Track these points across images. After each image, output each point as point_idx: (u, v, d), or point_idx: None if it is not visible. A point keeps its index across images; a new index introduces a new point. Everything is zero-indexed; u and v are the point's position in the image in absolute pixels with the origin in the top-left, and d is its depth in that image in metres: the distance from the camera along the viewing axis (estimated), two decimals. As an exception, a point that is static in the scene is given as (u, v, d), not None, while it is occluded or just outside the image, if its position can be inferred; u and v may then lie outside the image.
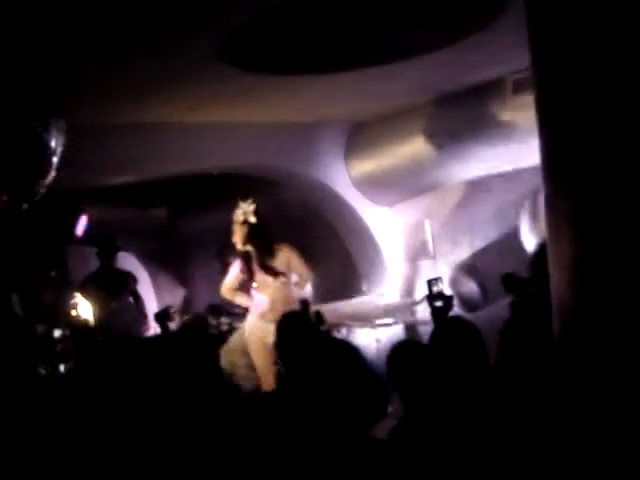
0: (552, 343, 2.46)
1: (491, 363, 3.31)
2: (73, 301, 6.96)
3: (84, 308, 6.95)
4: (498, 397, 3.03)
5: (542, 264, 2.93)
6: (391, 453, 2.55)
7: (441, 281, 4.41)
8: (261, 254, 6.72)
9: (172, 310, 6.00)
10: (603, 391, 2.30)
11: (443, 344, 3.17)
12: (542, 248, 3.09)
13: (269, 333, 5.61)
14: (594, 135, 2.29)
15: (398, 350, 3.67)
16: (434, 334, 3.28)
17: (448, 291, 5.12)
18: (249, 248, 6.74)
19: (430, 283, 4.34)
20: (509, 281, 4.54)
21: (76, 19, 4.03)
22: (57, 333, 6.36)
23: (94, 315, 7.00)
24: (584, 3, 2.33)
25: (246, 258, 6.75)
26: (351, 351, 2.61)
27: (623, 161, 2.24)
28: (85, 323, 6.82)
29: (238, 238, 6.74)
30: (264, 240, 6.75)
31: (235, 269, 6.86)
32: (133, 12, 4.05)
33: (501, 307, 6.71)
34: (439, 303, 4.25)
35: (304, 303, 6.07)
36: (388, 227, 8.05)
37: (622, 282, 2.24)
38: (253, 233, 6.73)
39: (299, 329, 4.83)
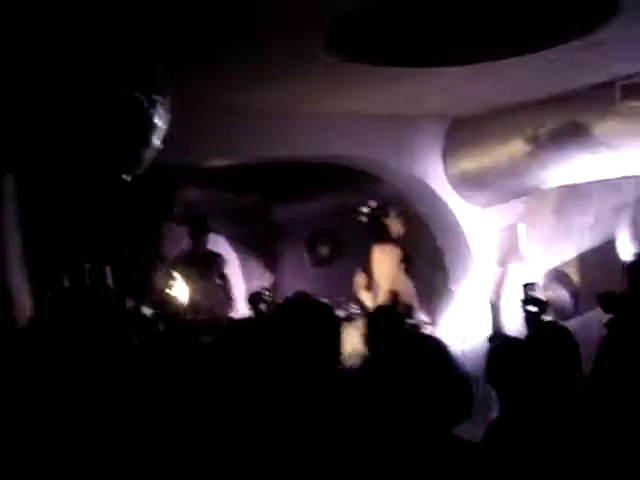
0: None
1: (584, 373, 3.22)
2: (171, 281, 7.05)
3: (181, 289, 7.02)
4: (591, 408, 2.94)
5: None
6: (477, 454, 2.49)
7: (537, 286, 4.32)
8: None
9: (266, 293, 6.00)
10: None
11: (540, 347, 3.11)
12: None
13: None
14: None
15: (500, 348, 3.62)
16: (530, 338, 3.20)
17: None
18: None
19: (526, 287, 4.26)
20: (606, 300, 4.33)
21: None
22: (147, 311, 6.44)
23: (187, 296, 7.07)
24: None
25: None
26: (437, 348, 2.54)
27: None
28: (179, 304, 6.89)
29: (398, 230, 7.06)
30: None
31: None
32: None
33: (590, 319, 6.61)
34: (533, 308, 4.16)
35: (394, 295, 6.02)
36: (482, 228, 7.94)
37: None
38: None
39: (392, 322, 4.81)
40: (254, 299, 5.91)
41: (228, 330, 4.11)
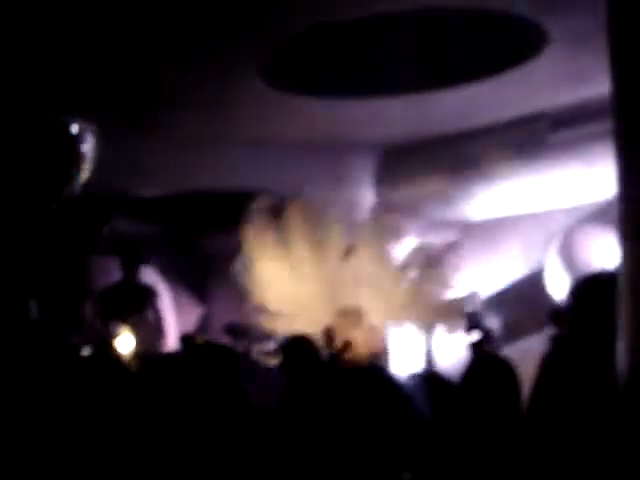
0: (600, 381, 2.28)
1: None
2: (119, 332, 6.85)
3: (128, 343, 6.79)
4: (532, 439, 2.88)
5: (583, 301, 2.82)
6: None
7: (481, 314, 4.27)
8: None
9: (198, 339, 5.95)
10: None
11: (477, 379, 3.07)
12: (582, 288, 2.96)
13: None
14: None
15: (424, 380, 3.58)
16: (469, 368, 3.16)
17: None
18: None
19: (469, 316, 4.20)
20: (555, 315, 4.34)
21: (122, 30, 4.06)
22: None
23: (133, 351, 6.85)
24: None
25: None
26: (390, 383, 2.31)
27: None
28: (120, 356, 6.68)
29: None
30: None
31: None
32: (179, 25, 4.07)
33: (520, 348, 6.65)
34: (477, 336, 4.10)
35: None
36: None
37: None
38: None
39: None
40: (186, 342, 5.82)
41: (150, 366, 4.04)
